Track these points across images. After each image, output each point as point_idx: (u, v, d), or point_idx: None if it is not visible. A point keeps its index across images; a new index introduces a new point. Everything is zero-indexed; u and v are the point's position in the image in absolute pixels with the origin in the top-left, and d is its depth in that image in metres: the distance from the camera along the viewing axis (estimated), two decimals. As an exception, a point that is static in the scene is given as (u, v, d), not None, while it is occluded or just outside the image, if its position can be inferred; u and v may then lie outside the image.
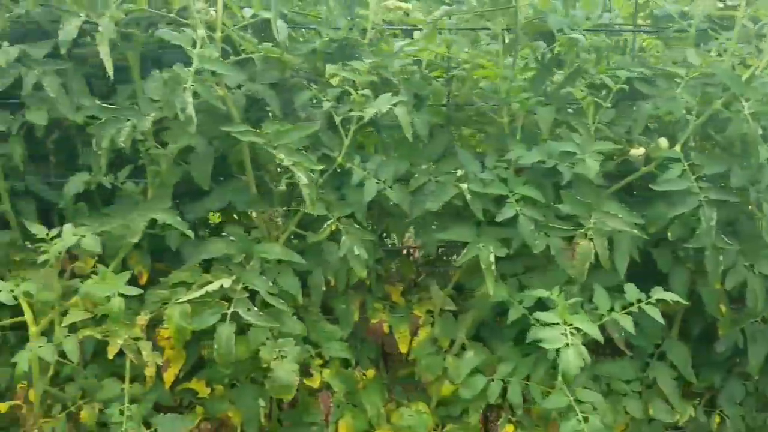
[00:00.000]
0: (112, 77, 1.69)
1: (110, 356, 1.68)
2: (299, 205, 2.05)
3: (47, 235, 1.76)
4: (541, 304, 1.96)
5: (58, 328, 1.79)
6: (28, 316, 1.79)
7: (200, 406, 1.96)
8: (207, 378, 1.99)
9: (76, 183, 1.87)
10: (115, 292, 1.66)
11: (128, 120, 1.71)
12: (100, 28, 1.63)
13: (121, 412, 1.70)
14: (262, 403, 2.01)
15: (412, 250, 2.54)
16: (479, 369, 2.05)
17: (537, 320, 1.92)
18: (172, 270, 2.01)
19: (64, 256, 1.98)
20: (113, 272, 1.83)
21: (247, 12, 1.73)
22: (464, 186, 1.91)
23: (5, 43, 1.78)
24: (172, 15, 1.72)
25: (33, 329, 1.80)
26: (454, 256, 2.47)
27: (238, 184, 1.98)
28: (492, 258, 1.89)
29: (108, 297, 1.66)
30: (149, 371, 1.73)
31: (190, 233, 1.82)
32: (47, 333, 1.81)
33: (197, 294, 1.78)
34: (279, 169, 2.00)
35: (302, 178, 1.71)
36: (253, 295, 1.88)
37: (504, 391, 2.01)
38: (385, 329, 2.21)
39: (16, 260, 1.92)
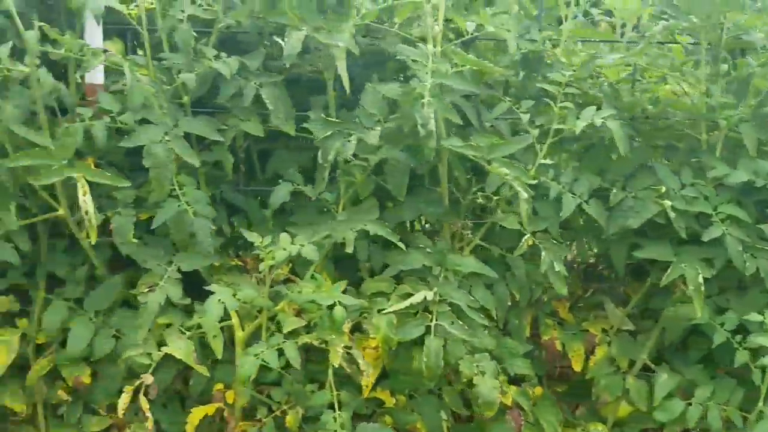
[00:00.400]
0: (348, 93, 1.72)
1: (335, 364, 1.71)
2: (483, 217, 2.07)
3: (261, 242, 1.80)
4: (741, 327, 1.91)
5: (266, 334, 1.83)
6: (235, 321, 1.84)
7: (388, 415, 1.97)
8: (390, 388, 2.00)
9: (282, 192, 1.91)
10: (337, 301, 1.68)
11: (351, 133, 1.73)
12: (339, 44, 1.66)
13: (335, 420, 1.72)
14: (444, 415, 2.02)
15: (575, 265, 2.51)
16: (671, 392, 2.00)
17: (740, 344, 1.87)
18: (345, 279, 2.05)
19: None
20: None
21: (471, 26, 1.74)
22: (667, 203, 1.87)
23: (223, 55, 1.83)
24: (394, 29, 1.74)
25: (239, 334, 1.85)
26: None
27: (429, 195, 1.99)
28: (701, 279, 1.84)
29: (327, 306, 1.69)
30: (365, 381, 1.75)
31: (402, 245, 1.83)
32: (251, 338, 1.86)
33: (403, 305, 1.79)
34: (468, 182, 2.01)
35: (522, 193, 1.71)
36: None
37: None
38: (558, 346, 2.19)
39: (215, 265, 1.97)
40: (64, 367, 1.91)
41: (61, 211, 1.82)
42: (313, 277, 1.87)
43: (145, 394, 1.68)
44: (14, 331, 1.92)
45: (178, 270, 1.85)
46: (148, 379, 1.67)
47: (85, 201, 1.56)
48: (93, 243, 1.65)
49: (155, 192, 1.74)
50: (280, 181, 1.96)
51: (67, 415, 2.03)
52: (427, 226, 2.32)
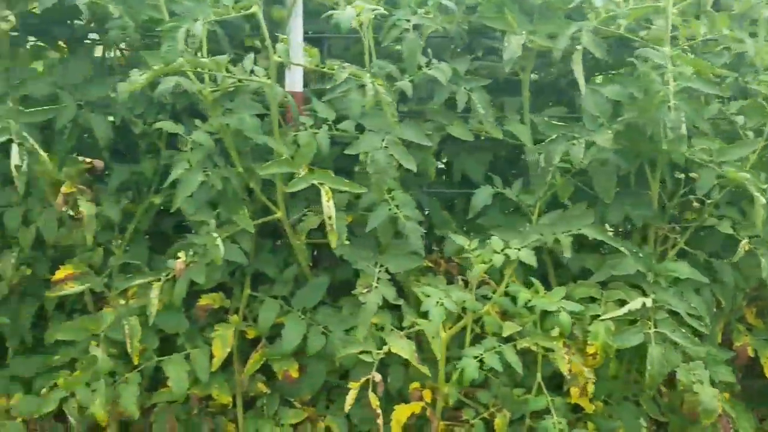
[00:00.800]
0: (583, 93, 1.71)
1: (564, 371, 1.72)
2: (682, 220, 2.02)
3: (468, 246, 1.81)
4: None
5: (469, 336, 1.85)
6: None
7: (590, 422, 1.96)
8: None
9: (483, 195, 1.92)
10: (561, 307, 1.68)
11: (576, 136, 1.72)
12: (578, 46, 1.66)
13: (554, 426, 1.73)
14: (643, 423, 2.00)
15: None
16: None
17: None
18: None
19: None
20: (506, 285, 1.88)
21: (702, 30, 1.70)
22: None
23: (434, 60, 1.85)
24: (619, 32, 1.72)
25: (443, 335, 1.87)
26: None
27: (636, 197, 1.95)
28: None
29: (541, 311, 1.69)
30: (589, 387, 1.74)
31: (624, 250, 1.81)
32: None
33: (621, 312, 1.77)
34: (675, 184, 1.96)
35: (759, 198, 1.65)
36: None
37: None
38: (750, 352, 2.12)
39: (410, 267, 2.00)
40: (275, 362, 1.99)
41: (279, 214, 1.90)
42: (507, 281, 1.88)
43: (373, 391, 1.72)
44: (227, 326, 2.01)
45: (386, 271, 1.89)
46: (376, 376, 1.71)
47: (329, 206, 1.61)
48: (334, 246, 1.71)
49: (374, 196, 1.78)
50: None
51: (267, 408, 2.12)
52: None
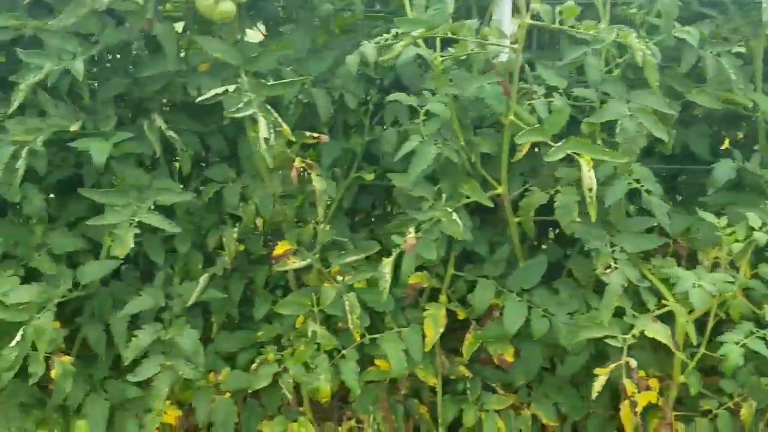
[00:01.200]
0: None
1: None
2: None
3: (719, 223, 1.68)
4: None
5: (713, 321, 1.72)
6: (676, 307, 1.74)
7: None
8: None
9: (725, 169, 1.78)
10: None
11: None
12: None
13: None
14: None
15: None
16: None
17: None
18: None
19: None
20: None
21: None
22: None
23: (677, 25, 1.72)
24: None
25: (681, 321, 1.74)
26: None
27: None
28: None
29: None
30: None
31: None
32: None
33: None
34: None
35: None
36: None
37: None
38: None
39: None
40: (490, 344, 1.92)
41: (500, 189, 1.82)
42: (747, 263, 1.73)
43: (628, 377, 1.61)
44: (438, 306, 1.95)
45: (621, 250, 1.77)
46: (631, 362, 1.60)
47: (591, 177, 1.52)
48: (593, 221, 1.61)
49: (622, 167, 1.67)
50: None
51: (471, 392, 2.05)
52: None
